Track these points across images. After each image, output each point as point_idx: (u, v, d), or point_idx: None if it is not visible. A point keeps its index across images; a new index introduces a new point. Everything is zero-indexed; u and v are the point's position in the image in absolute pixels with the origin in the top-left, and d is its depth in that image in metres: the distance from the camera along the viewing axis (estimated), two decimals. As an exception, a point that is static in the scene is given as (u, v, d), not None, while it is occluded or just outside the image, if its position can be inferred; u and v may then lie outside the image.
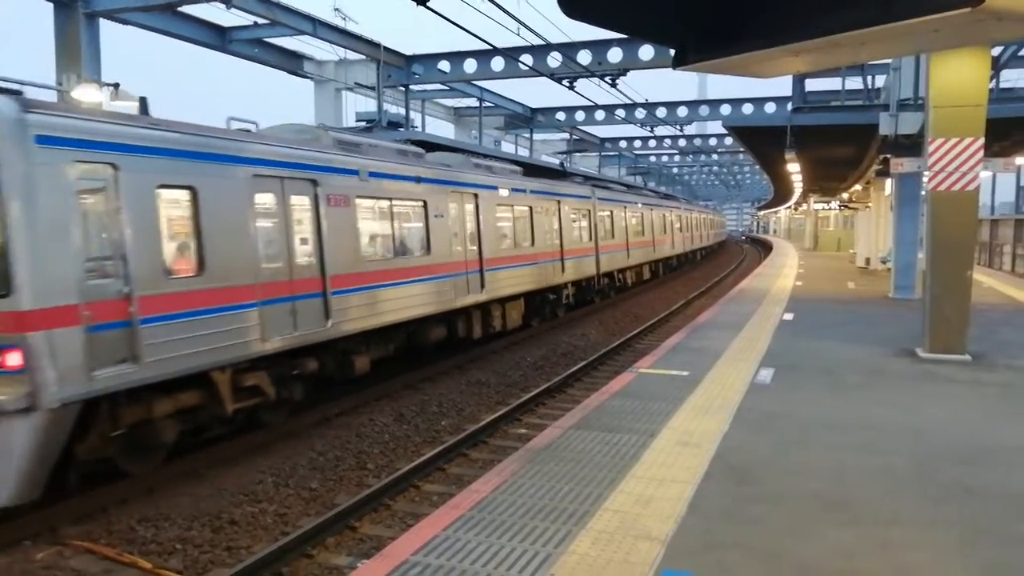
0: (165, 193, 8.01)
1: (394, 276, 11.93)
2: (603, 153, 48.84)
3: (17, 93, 7.12)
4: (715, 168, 71.05)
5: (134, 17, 15.62)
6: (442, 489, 7.98)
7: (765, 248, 61.19)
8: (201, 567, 6.39)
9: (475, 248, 14.75)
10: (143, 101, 9.27)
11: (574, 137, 41.84)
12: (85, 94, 14.19)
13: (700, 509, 5.06)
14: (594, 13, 2.39)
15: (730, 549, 4.47)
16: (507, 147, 40.85)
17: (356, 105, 34.38)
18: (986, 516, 4.95)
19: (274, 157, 9.61)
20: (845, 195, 35.91)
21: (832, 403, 7.97)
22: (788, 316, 14.46)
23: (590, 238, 22.14)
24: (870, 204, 28.84)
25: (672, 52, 2.96)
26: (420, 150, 14.17)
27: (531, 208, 17.83)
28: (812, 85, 21.17)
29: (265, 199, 9.38)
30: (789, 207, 64.07)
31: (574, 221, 20.85)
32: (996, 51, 16.61)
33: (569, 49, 20.35)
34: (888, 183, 21.28)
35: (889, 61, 16.78)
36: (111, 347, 7.20)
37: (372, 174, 11.61)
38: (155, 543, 6.77)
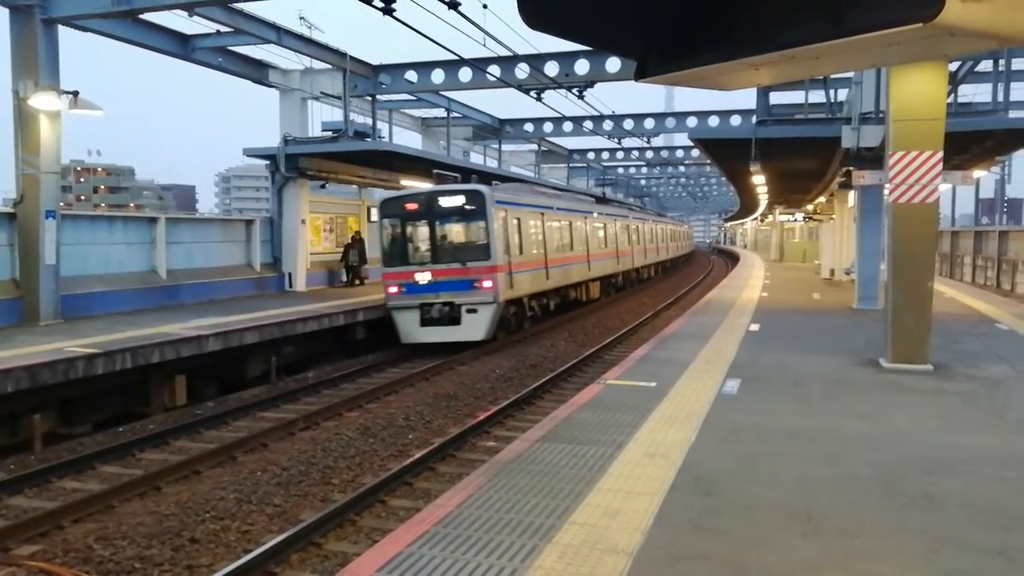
0: (512, 220, 18.14)
1: (563, 261, 22.31)
2: (571, 164, 49.08)
3: (488, 182, 18.44)
4: (682, 180, 71.75)
5: (94, 24, 15.26)
6: (408, 504, 7.88)
7: (732, 259, 61.89)
8: (160, 587, 6.22)
9: (586, 248, 24.95)
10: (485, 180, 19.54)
11: (542, 148, 41.98)
12: (42, 101, 13.92)
13: (667, 521, 5.05)
14: (555, 24, 2.36)
15: (696, 561, 4.45)
16: (476, 158, 40.86)
17: (322, 114, 34.10)
18: (949, 525, 4.99)
19: (531, 201, 20.39)
20: (810, 207, 36.36)
21: (797, 413, 8.03)
22: (754, 327, 14.59)
23: (628, 243, 32.71)
24: (834, 216, 29.25)
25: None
26: (556, 191, 26.17)
27: (604, 224, 28.47)
28: (776, 98, 21.50)
29: (533, 221, 19.92)
30: (755, 219, 64.86)
31: (622, 232, 31.65)
32: (954, 66, 16.98)
33: (536, 61, 20.41)
34: (851, 195, 21.61)
35: (851, 75, 17.07)
36: (508, 282, 17.21)
37: (557, 208, 22.58)
38: (112, 562, 6.58)
